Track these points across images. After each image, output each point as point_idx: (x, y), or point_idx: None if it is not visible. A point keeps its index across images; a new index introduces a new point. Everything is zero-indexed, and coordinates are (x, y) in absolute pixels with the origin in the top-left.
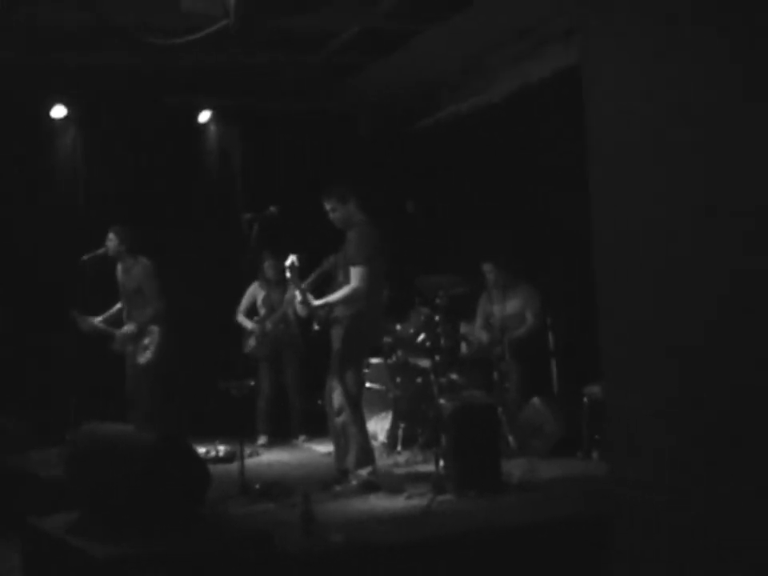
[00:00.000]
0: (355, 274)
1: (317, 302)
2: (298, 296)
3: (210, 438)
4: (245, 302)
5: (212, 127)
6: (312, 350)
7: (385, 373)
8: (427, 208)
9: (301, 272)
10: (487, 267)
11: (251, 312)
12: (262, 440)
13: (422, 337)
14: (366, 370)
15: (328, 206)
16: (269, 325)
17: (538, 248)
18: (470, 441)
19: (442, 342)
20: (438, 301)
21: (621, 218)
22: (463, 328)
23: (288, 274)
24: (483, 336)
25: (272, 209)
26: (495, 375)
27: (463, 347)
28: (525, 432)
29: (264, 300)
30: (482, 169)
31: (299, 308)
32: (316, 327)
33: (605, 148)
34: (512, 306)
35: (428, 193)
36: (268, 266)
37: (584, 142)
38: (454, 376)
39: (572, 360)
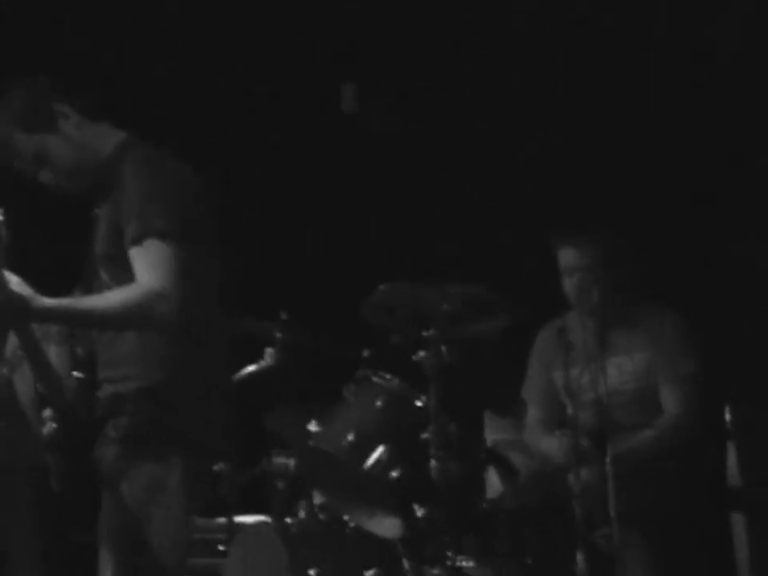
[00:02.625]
0: (153, 258)
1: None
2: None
3: None
4: None
5: None
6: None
7: (279, 551)
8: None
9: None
10: (569, 256)
11: None
12: None
13: (378, 454)
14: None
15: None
16: None
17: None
18: None
19: (434, 468)
20: (421, 354)
21: None
22: (492, 430)
23: None
24: (551, 452)
25: None
26: (579, 561)
27: (493, 483)
28: None
29: None
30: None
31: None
32: (52, 424)
33: None
34: (628, 364)
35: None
36: None
37: None
38: (464, 561)
39: None
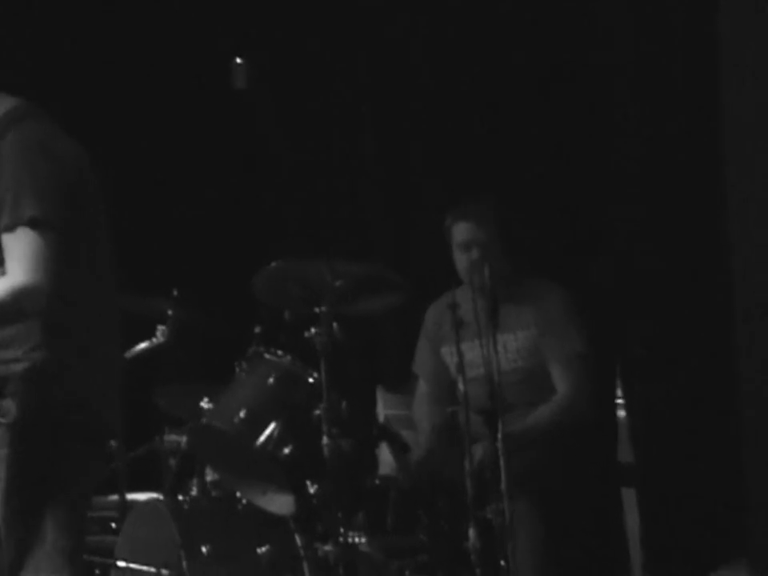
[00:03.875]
0: (21, 249)
1: None
2: None
3: None
4: None
5: None
6: None
7: (171, 529)
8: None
9: None
10: (465, 230)
11: None
12: None
13: (270, 431)
14: None
15: None
16: None
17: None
18: None
19: (326, 445)
20: (312, 331)
21: None
22: (385, 406)
23: None
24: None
25: None
26: (471, 536)
27: (385, 459)
28: None
29: None
30: None
31: None
32: None
33: None
34: (513, 343)
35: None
36: None
37: None
38: (356, 537)
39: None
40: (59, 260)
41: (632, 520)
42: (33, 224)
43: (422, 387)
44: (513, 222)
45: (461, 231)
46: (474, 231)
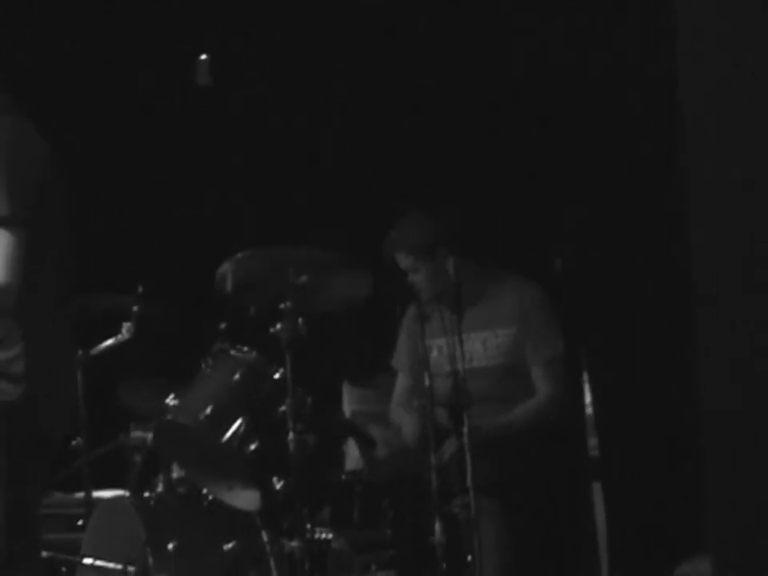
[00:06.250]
0: None
1: None
2: None
3: None
4: None
5: None
6: None
7: (137, 525)
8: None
9: None
10: (400, 258)
11: None
12: None
13: (235, 427)
14: None
15: None
16: None
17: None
18: None
19: (291, 441)
20: (278, 326)
21: None
22: (351, 401)
23: None
24: (407, 426)
25: None
26: (437, 531)
27: (351, 456)
28: None
29: None
30: None
31: None
32: None
33: None
34: (493, 339)
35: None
36: None
37: None
38: (322, 532)
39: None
40: (28, 260)
41: (599, 511)
42: (4, 223)
43: (402, 381)
44: (460, 228)
45: (399, 260)
46: (409, 258)
